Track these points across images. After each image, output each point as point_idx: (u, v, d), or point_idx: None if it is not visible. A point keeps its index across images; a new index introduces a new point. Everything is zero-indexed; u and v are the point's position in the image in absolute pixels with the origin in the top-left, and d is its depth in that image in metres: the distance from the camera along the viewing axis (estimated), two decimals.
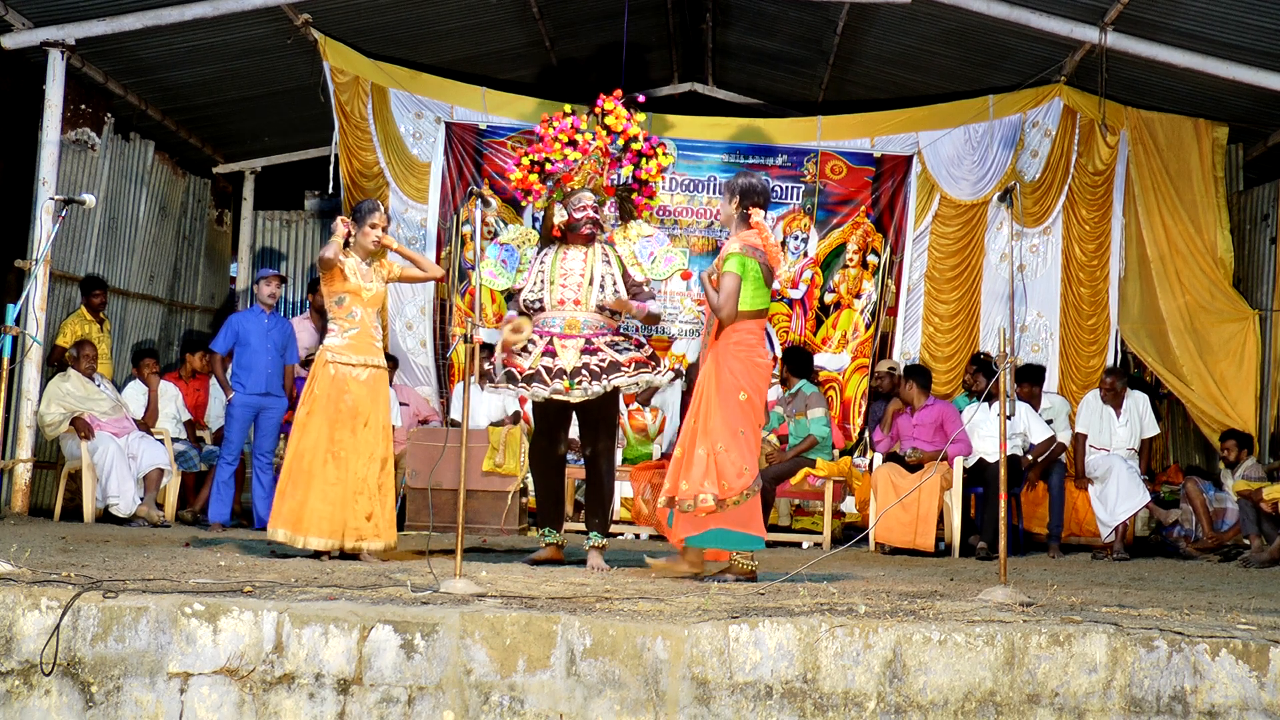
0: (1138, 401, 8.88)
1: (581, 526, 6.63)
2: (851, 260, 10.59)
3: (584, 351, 6.03)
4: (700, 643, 4.01)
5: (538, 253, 6.35)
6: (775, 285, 5.92)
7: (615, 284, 6.18)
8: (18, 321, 5.36)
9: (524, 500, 8.81)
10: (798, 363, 9.04)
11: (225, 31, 9.07)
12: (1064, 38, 9.06)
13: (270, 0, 8.75)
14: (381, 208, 6.21)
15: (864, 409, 10.32)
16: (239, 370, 8.32)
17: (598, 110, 6.36)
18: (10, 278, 8.72)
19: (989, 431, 8.10)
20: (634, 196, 6.50)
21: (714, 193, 10.65)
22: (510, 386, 6.04)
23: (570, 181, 6.27)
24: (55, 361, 8.72)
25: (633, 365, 6.03)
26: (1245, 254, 10.12)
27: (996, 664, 4.02)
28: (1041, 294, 10.34)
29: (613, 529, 7.47)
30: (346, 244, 6.05)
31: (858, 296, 10.59)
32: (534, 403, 6.35)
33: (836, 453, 9.12)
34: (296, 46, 9.55)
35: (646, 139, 6.42)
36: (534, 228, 7.08)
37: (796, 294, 10.54)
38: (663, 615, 4.20)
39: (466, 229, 10.44)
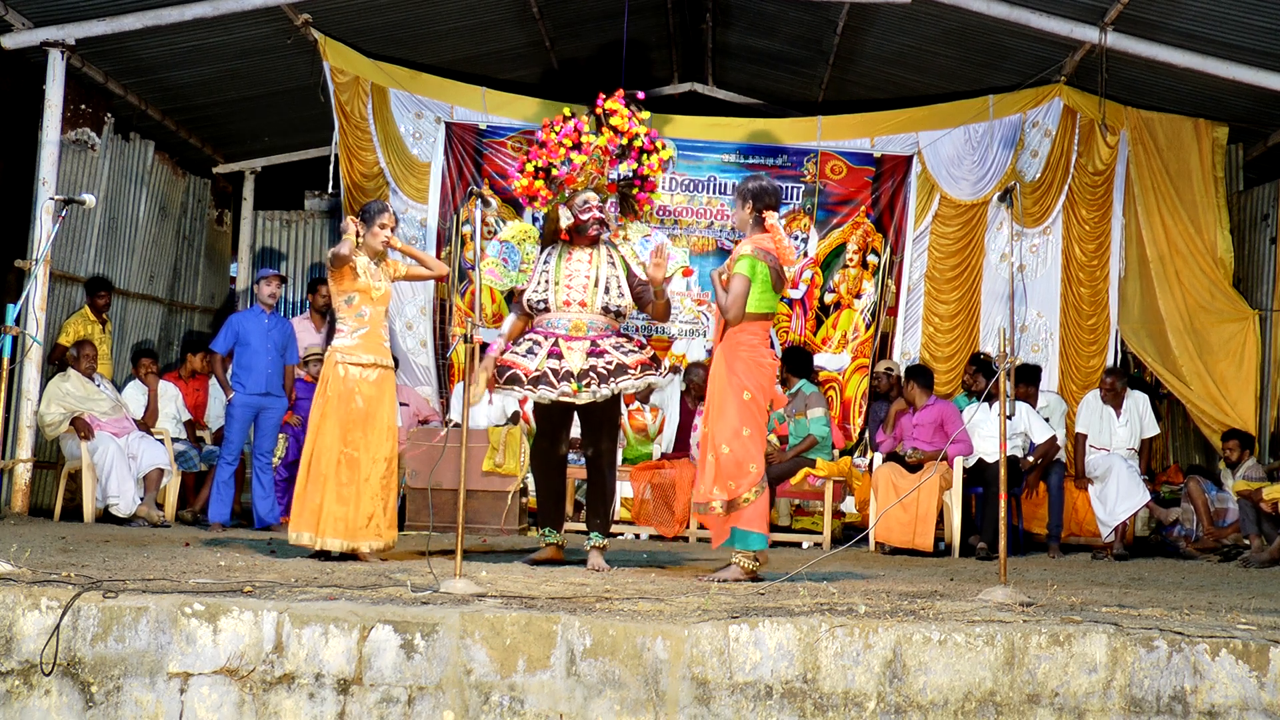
0: (1138, 401, 8.88)
1: (582, 526, 6.64)
2: (851, 260, 10.59)
3: (590, 354, 6.02)
4: (700, 643, 4.01)
5: (541, 252, 6.35)
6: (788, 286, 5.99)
7: (620, 286, 6.19)
8: (18, 321, 5.36)
9: (524, 500, 8.80)
10: (798, 363, 9.03)
11: (225, 31, 9.07)
12: (1064, 38, 9.06)
13: (270, 0, 8.75)
14: (389, 209, 6.23)
15: (864, 409, 10.31)
16: (239, 370, 8.32)
17: (599, 111, 6.35)
18: (10, 278, 8.72)
19: (989, 432, 8.10)
20: (635, 193, 6.50)
21: (714, 193, 10.65)
22: (516, 389, 6.04)
23: (573, 183, 6.27)
24: (56, 361, 8.72)
25: (639, 368, 6.04)
26: (1245, 254, 10.11)
27: (996, 664, 4.02)
28: (1041, 294, 10.33)
29: (613, 529, 7.48)
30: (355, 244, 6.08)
31: (858, 296, 10.58)
32: (536, 404, 6.35)
33: (836, 453, 9.12)
34: (296, 46, 9.55)
35: (647, 134, 6.42)
36: (534, 226, 7.07)
37: (797, 294, 10.53)
38: (663, 615, 4.20)
39: (466, 229, 10.44)
